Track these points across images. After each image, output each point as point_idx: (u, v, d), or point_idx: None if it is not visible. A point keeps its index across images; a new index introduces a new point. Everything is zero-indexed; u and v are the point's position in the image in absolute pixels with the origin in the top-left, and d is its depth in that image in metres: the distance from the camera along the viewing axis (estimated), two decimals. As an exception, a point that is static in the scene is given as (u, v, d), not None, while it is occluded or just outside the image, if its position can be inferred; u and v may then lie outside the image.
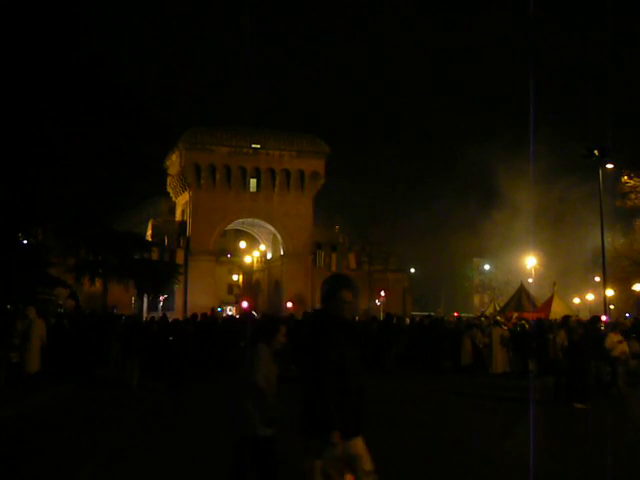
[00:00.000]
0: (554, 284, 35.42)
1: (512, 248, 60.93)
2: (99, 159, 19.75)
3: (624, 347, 15.74)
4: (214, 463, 9.07)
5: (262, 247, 67.22)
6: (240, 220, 60.88)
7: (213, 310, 34.33)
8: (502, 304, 40.78)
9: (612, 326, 18.94)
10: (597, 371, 15.73)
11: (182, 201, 61.88)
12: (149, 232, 57.73)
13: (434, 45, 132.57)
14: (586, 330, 15.77)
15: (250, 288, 71.43)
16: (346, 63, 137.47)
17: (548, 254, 58.09)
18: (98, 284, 31.07)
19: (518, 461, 9.14)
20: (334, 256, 60.50)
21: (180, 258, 53.84)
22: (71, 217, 20.42)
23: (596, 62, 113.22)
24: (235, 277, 75.31)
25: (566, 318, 16.45)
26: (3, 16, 16.14)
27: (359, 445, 5.33)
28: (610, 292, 39.90)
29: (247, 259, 70.25)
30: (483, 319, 28.80)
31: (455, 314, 52.03)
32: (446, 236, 75.24)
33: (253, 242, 69.11)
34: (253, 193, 59.41)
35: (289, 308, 51.90)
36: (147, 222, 61.25)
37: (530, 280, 51.34)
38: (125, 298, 44.48)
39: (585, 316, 36.79)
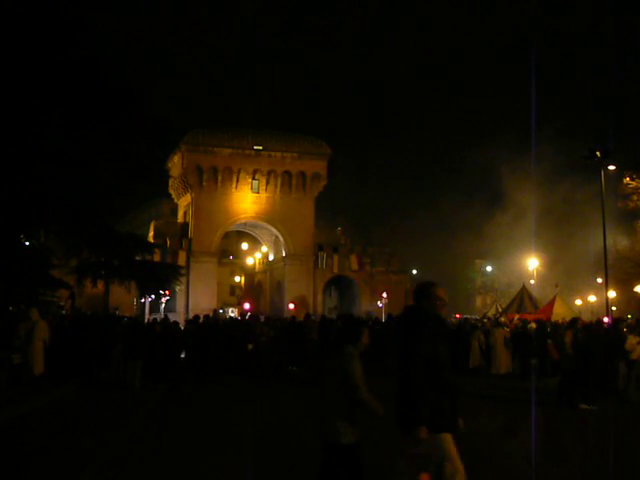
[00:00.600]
0: (556, 286, 35.41)
1: (514, 250, 60.94)
2: (101, 161, 19.79)
3: None
4: (217, 465, 9.09)
5: (264, 249, 67.23)
6: (242, 222, 60.87)
7: (215, 312, 34.37)
8: (504, 306, 40.78)
9: (632, 327, 18.84)
10: (615, 373, 15.62)
11: (184, 203, 61.90)
12: (151, 234, 57.72)
13: (436, 45, 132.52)
14: (591, 330, 15.74)
15: (252, 289, 71.46)
16: (348, 64, 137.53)
17: (550, 256, 58.06)
18: (100, 286, 31.15)
19: (520, 462, 9.14)
20: (336, 257, 60.46)
21: (182, 260, 53.83)
22: (73, 219, 20.46)
23: (598, 62, 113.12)
24: (237, 279, 75.34)
25: (574, 320, 16.46)
26: (4, 17, 16.17)
27: (449, 443, 5.25)
28: (612, 294, 39.90)
29: (249, 261, 70.28)
30: (485, 320, 28.81)
31: (457, 315, 51.99)
32: (448, 238, 75.19)
33: (255, 244, 69.13)
34: (255, 195, 59.41)
35: (291, 309, 51.90)
36: (149, 224, 61.26)
37: (532, 282, 51.30)
38: (127, 300, 44.50)
39: (587, 318, 36.76)
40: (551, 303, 33.60)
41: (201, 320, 22.37)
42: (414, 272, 71.92)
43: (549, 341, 17.35)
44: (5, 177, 16.99)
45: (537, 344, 20.20)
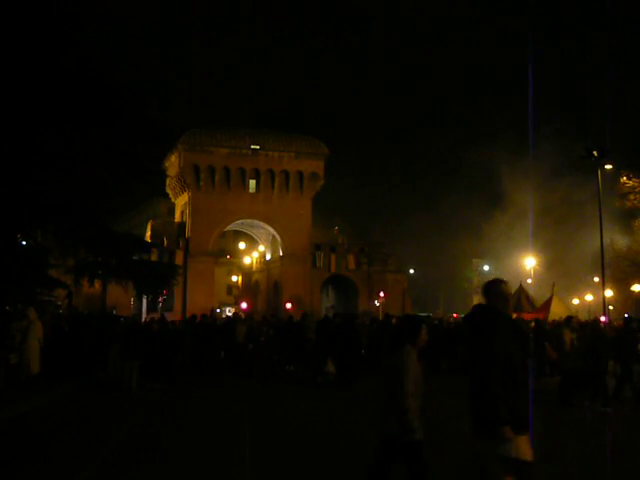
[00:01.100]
0: (553, 285, 35.41)
1: (512, 249, 61.00)
2: (98, 160, 19.76)
3: None
4: (215, 464, 9.08)
5: (261, 248, 67.20)
6: (239, 221, 60.88)
7: (212, 311, 34.36)
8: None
9: None
10: (630, 374, 15.40)
11: (181, 202, 61.89)
12: (148, 233, 57.72)
13: (436, 46, 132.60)
14: (598, 330, 15.64)
15: (249, 289, 71.39)
16: (346, 64, 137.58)
17: (547, 255, 58.13)
18: (97, 285, 31.07)
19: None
20: (333, 257, 60.50)
21: (179, 259, 53.84)
22: (70, 218, 20.42)
23: (596, 62, 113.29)
24: (234, 278, 75.26)
25: (569, 318, 16.41)
26: (3, 17, 16.13)
27: (526, 443, 5.17)
28: (609, 293, 39.94)
29: (246, 260, 70.22)
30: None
31: (454, 315, 51.99)
32: (445, 237, 75.44)
33: (252, 243, 69.10)
34: (252, 194, 59.42)
35: (288, 309, 51.88)
36: (146, 223, 61.26)
37: (529, 281, 51.33)
38: (124, 299, 44.47)
39: (584, 317, 36.83)
40: (548, 302, 33.56)
41: (198, 319, 22.36)
42: (411, 271, 72.01)
43: (546, 344, 17.28)
44: (2, 176, 16.96)
45: (535, 344, 20.18)
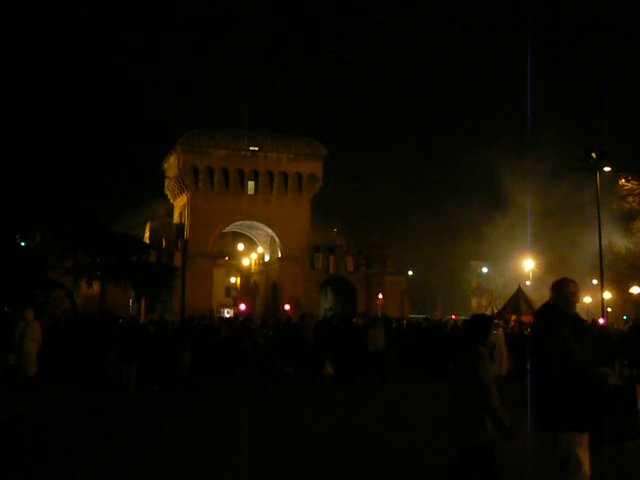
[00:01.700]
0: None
1: (510, 251, 61.02)
2: (97, 161, 19.78)
3: None
4: (214, 464, 9.07)
5: (260, 249, 67.15)
6: (238, 222, 60.86)
7: (212, 312, 34.34)
8: (500, 307, 40.78)
9: None
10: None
11: (180, 203, 61.86)
12: (147, 234, 57.68)
13: (434, 46, 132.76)
14: (604, 331, 15.58)
15: (248, 290, 71.31)
16: (345, 65, 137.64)
17: (546, 257, 58.15)
18: (96, 286, 31.11)
19: (517, 462, 9.14)
20: (332, 258, 60.47)
21: (178, 260, 53.74)
22: (69, 219, 20.43)
23: (595, 63, 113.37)
24: (233, 279, 75.17)
25: None
26: (4, 18, 16.15)
27: (587, 443, 5.15)
28: (608, 295, 39.92)
29: (245, 261, 70.15)
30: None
31: (453, 317, 51.93)
32: (444, 239, 75.27)
33: (251, 244, 69.04)
34: (251, 196, 59.41)
35: (287, 310, 51.86)
36: (145, 224, 61.19)
37: (528, 283, 51.34)
38: (123, 300, 44.42)
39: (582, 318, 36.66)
40: (546, 304, 33.56)
41: (196, 321, 22.36)
42: (410, 273, 71.99)
43: None
44: (1, 178, 16.95)
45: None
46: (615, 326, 26.08)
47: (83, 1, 18.46)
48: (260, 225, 60.97)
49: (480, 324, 6.10)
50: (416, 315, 53.53)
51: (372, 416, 13.66)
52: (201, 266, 56.74)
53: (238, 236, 69.27)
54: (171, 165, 59.07)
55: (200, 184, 57.87)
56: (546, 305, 5.59)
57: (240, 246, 70.12)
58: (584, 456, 5.15)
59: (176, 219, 63.03)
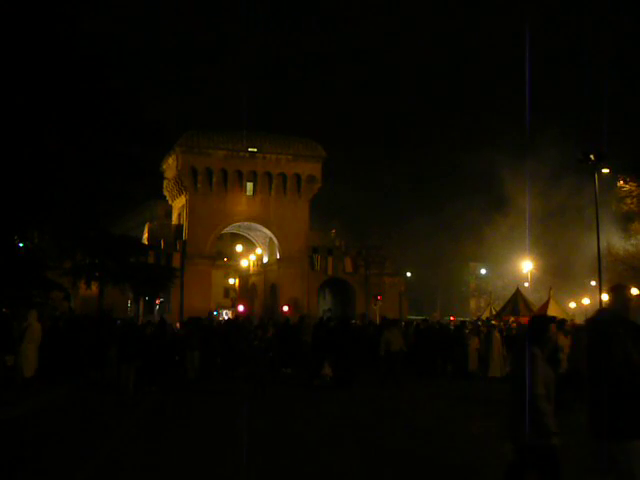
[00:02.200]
0: (550, 288, 35.44)
1: (509, 253, 61.06)
2: (96, 162, 19.75)
3: None
4: (213, 465, 9.07)
5: (258, 251, 67.13)
6: (236, 224, 60.85)
7: (210, 314, 34.36)
8: (498, 308, 40.83)
9: None
10: None
11: (178, 205, 61.85)
12: (145, 236, 57.64)
13: (434, 47, 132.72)
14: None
15: (246, 292, 71.30)
16: (344, 66, 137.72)
17: (545, 259, 58.21)
18: (94, 287, 31.07)
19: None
20: (330, 260, 60.47)
21: (176, 262, 53.71)
22: (67, 220, 20.41)
23: (595, 64, 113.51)
24: (231, 281, 75.17)
25: (562, 321, 16.46)
26: (3, 19, 16.13)
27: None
28: (606, 297, 39.90)
29: (243, 263, 70.14)
30: (480, 323, 28.82)
31: (451, 318, 51.97)
32: (443, 240, 75.32)
33: (249, 246, 69.03)
34: (249, 197, 59.40)
35: (285, 312, 51.85)
36: (143, 226, 61.14)
37: (526, 284, 51.38)
38: (121, 301, 44.41)
39: (581, 320, 36.76)
40: (545, 306, 33.61)
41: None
42: (408, 274, 72.00)
43: None
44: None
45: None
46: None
47: (84, 2, 18.45)
48: (259, 226, 60.97)
49: (537, 325, 6.00)
50: (414, 316, 53.57)
51: (371, 417, 13.66)
52: (200, 267, 56.73)
53: (237, 237, 69.23)
54: (170, 166, 59.05)
55: (199, 185, 57.86)
56: (604, 311, 5.54)
57: (239, 247, 70.08)
58: None
59: (175, 220, 63.01)
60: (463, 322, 28.55)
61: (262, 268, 66.70)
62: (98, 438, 10.96)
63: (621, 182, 41.88)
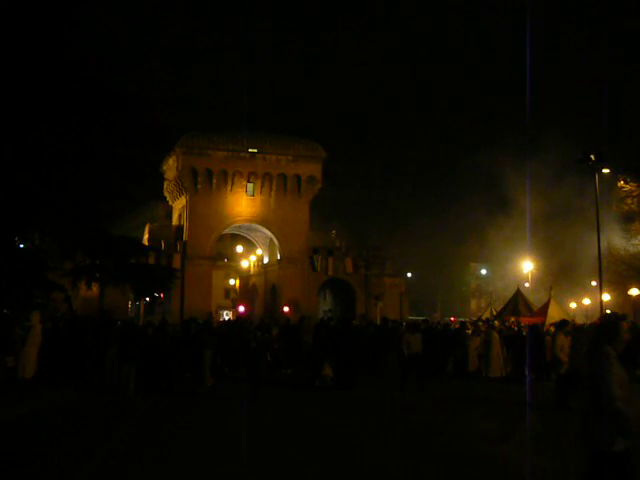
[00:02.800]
0: (551, 289, 35.46)
1: (510, 253, 61.08)
2: (96, 163, 19.77)
3: None
4: (213, 465, 9.07)
5: (259, 251, 67.14)
6: (237, 224, 60.86)
7: (211, 314, 34.32)
8: (499, 308, 40.85)
9: None
10: None
11: (179, 205, 61.84)
12: (146, 236, 57.66)
13: (436, 48, 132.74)
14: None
15: (247, 292, 71.30)
16: (344, 67, 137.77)
17: (545, 259, 58.22)
18: (95, 288, 31.10)
19: (516, 465, 9.16)
20: (331, 260, 60.44)
21: (177, 262, 53.71)
22: (68, 221, 20.42)
23: (595, 64, 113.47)
24: (232, 281, 75.17)
25: (563, 322, 16.45)
26: (3, 19, 16.15)
27: None
28: (606, 297, 39.97)
29: (244, 263, 70.15)
30: (480, 323, 28.83)
31: (452, 318, 51.96)
32: (443, 241, 75.40)
33: (250, 246, 69.04)
34: (250, 197, 59.38)
35: (285, 312, 51.85)
36: (144, 226, 61.13)
37: (527, 285, 51.39)
38: (122, 302, 44.40)
39: (581, 321, 36.84)
40: (545, 306, 33.64)
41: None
42: (409, 275, 72.02)
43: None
44: (0, 179, 16.95)
45: (530, 347, 20.17)
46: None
47: (83, 1, 18.45)
48: (259, 227, 60.97)
49: (609, 324, 5.85)
50: (415, 317, 53.56)
51: (370, 418, 13.66)
52: (200, 268, 56.73)
53: (237, 238, 69.25)
54: (170, 167, 59.06)
55: (199, 186, 57.86)
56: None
57: (239, 248, 70.11)
58: None
59: (175, 221, 63.02)
60: (463, 322, 28.56)
61: (262, 269, 66.71)
62: (99, 438, 10.97)
63: (621, 182, 41.91)
